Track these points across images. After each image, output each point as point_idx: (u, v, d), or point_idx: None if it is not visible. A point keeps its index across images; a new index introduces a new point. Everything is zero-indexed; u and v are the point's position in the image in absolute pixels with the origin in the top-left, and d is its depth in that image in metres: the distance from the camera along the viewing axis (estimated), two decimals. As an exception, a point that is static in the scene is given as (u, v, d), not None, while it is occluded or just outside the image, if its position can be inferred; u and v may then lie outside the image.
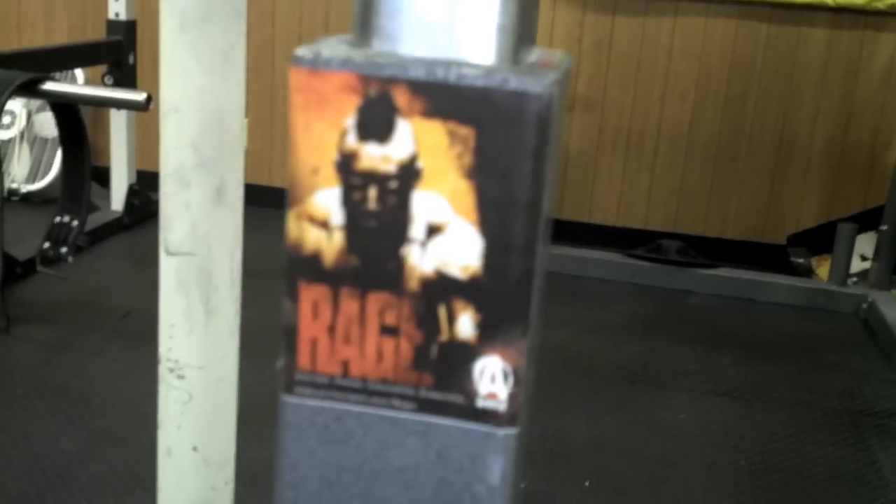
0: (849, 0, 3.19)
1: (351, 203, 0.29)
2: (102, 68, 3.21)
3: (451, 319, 0.29)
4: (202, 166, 1.22)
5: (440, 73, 0.28)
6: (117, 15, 3.21)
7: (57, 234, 2.60)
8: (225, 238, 1.26)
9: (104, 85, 3.21)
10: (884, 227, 3.03)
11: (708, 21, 3.34)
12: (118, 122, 3.33)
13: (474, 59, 0.28)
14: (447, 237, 0.29)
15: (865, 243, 3.19)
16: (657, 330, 2.84)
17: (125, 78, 3.19)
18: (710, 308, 3.05)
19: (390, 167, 0.28)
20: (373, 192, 0.29)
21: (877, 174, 3.31)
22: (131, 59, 3.22)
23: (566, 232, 3.57)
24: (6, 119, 3.61)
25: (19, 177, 3.63)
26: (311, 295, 0.30)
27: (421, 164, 0.28)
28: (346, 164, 0.29)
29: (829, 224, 3.28)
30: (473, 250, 0.28)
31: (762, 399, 2.44)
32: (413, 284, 0.29)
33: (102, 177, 3.45)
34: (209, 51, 1.19)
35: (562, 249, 3.30)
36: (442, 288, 0.29)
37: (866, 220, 3.21)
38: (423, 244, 0.29)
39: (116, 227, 3.32)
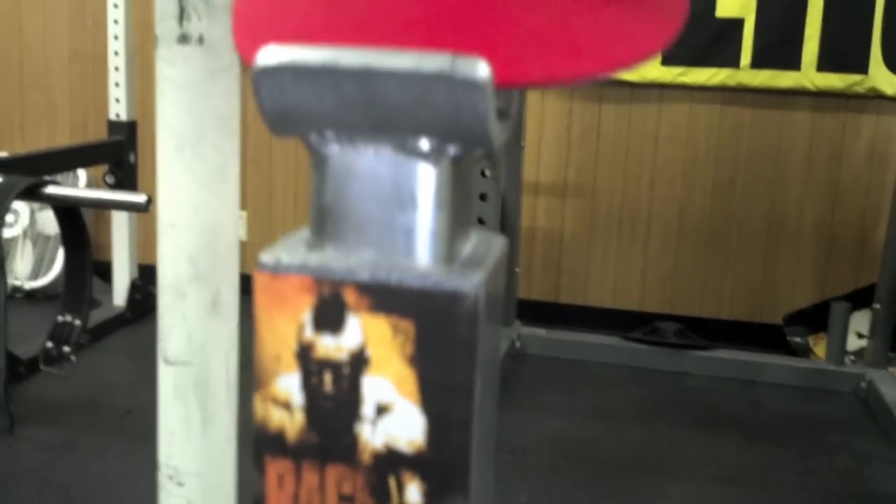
0: (829, 84, 3.28)
1: (309, 386, 0.33)
2: (104, 166, 3.30)
3: (401, 489, 0.33)
4: (198, 278, 1.27)
5: (382, 276, 0.32)
6: (118, 116, 3.30)
7: (59, 334, 2.64)
8: (220, 347, 1.30)
9: (105, 184, 3.28)
10: (877, 306, 3.06)
11: (692, 107, 3.43)
12: (119, 218, 3.40)
13: (414, 261, 0.33)
14: (394, 416, 0.33)
15: (861, 321, 3.22)
16: (657, 415, 2.85)
17: (126, 177, 3.27)
18: (709, 390, 3.06)
19: (343, 355, 0.32)
20: (328, 377, 0.33)
21: (867, 253, 3.36)
22: (132, 159, 3.30)
23: (563, 315, 3.60)
24: (10, 217, 3.68)
25: (22, 274, 3.69)
26: (277, 468, 0.34)
27: (369, 352, 0.32)
28: (304, 353, 0.33)
29: (824, 303, 3.31)
30: (417, 427, 0.32)
31: (764, 484, 2.43)
32: (366, 458, 0.33)
33: (105, 271, 3.50)
34: (204, 169, 1.24)
35: (560, 334, 3.33)
36: (391, 461, 0.33)
37: (860, 298, 3.24)
38: (374, 422, 0.33)
39: (118, 322, 3.36)
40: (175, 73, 1.22)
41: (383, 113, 0.31)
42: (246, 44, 0.36)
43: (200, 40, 1.23)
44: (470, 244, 0.35)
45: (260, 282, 0.33)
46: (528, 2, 0.34)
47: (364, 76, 0.30)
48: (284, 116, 0.32)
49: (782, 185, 3.41)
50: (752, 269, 3.49)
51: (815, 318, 3.38)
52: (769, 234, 3.45)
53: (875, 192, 3.34)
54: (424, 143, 0.32)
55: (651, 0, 0.37)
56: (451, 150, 0.32)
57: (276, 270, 0.33)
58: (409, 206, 0.33)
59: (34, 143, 3.87)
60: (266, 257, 0.33)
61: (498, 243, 0.36)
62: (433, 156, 0.32)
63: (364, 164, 0.33)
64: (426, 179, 0.33)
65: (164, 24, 1.22)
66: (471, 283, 0.32)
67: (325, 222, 0.34)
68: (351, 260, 0.33)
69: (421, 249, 0.33)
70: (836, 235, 3.41)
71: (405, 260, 0.32)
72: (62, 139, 3.85)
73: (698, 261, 3.52)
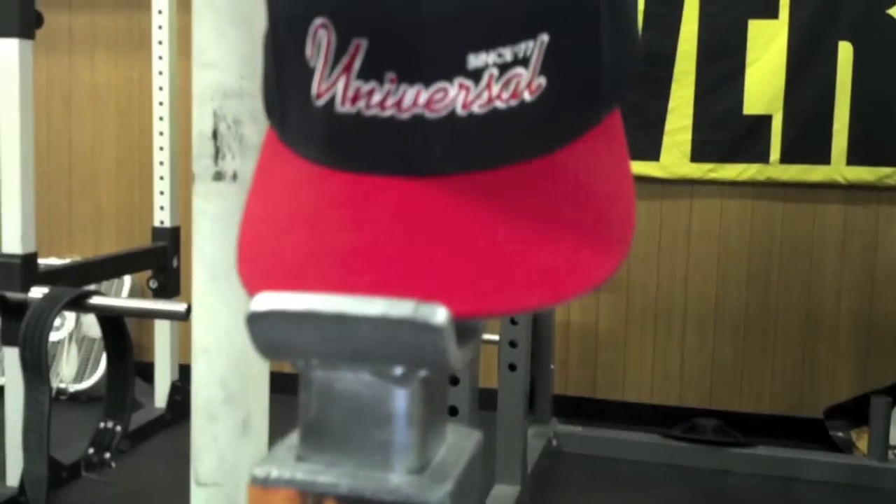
0: (860, 177, 3.30)
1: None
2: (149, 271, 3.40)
3: None
4: (230, 401, 1.31)
5: (359, 489, 0.36)
6: (162, 223, 3.42)
7: (101, 440, 2.69)
8: (250, 468, 1.33)
9: (149, 289, 3.38)
10: (919, 399, 3.01)
11: (724, 202, 3.46)
12: (162, 321, 3.49)
13: (389, 473, 0.36)
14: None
15: (904, 414, 3.16)
16: (696, 515, 2.81)
17: (169, 281, 3.36)
18: (750, 489, 3.01)
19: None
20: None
21: (907, 344, 3.32)
22: (175, 263, 3.40)
23: (601, 410, 3.58)
24: (57, 321, 3.78)
25: (67, 376, 3.78)
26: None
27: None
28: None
29: (864, 395, 3.26)
30: None
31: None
32: None
33: (146, 372, 3.57)
34: (236, 297, 1.30)
35: (597, 431, 3.31)
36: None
37: (902, 391, 3.19)
38: None
39: (160, 424, 3.41)
40: (210, 208, 1.29)
41: (359, 347, 0.36)
42: (248, 275, 0.41)
43: (234, 177, 1.29)
44: (444, 447, 0.39)
45: (252, 495, 0.37)
46: (487, 241, 0.39)
47: (341, 320, 0.35)
48: (274, 349, 0.37)
49: (817, 277, 3.41)
50: (790, 362, 3.46)
51: (857, 412, 3.32)
52: (806, 326, 3.43)
53: (912, 283, 3.32)
54: (397, 370, 0.36)
55: (600, 231, 0.41)
56: (421, 373, 0.36)
57: (266, 484, 0.37)
58: (384, 423, 0.37)
59: (82, 248, 4.01)
60: (259, 471, 0.37)
61: (472, 439, 0.40)
62: (405, 379, 0.36)
63: (344, 385, 0.37)
64: (399, 400, 0.37)
65: (201, 162, 1.29)
66: (438, 495, 0.35)
67: (311, 435, 0.38)
68: (333, 472, 0.36)
69: (395, 462, 0.37)
70: (875, 327, 3.38)
71: (381, 472, 0.36)
72: (108, 244, 3.97)
73: (736, 354, 3.50)
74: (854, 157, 3.29)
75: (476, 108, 0.39)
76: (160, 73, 3.39)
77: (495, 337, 2.74)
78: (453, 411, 2.11)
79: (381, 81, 0.39)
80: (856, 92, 3.27)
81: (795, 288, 3.43)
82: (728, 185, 3.44)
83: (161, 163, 3.41)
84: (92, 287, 2.66)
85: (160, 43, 3.38)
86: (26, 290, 2.61)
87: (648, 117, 3.46)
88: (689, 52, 3.40)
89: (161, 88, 3.41)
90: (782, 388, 3.48)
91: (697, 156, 3.44)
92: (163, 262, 3.38)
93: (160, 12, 3.37)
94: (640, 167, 3.49)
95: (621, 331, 3.59)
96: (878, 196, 3.33)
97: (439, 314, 0.34)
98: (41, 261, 2.83)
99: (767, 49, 3.33)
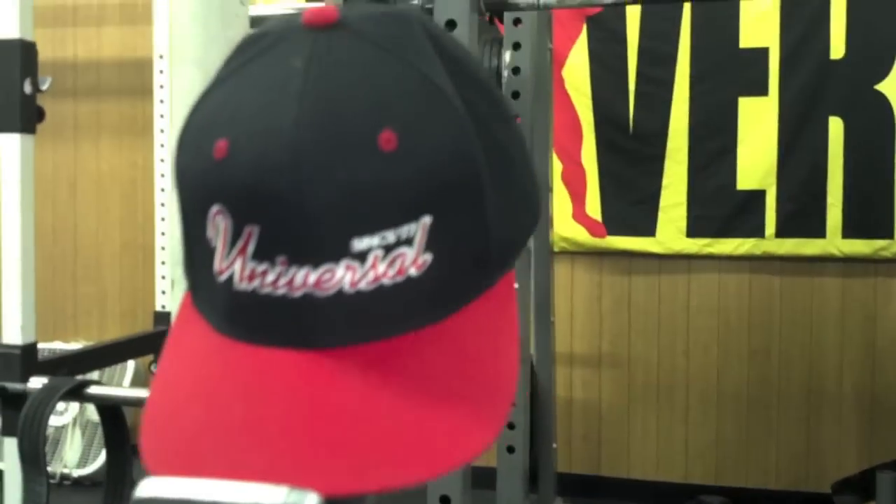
0: (856, 250, 3.31)
1: None
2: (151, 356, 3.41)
3: None
4: None
5: None
6: (163, 307, 3.44)
7: (98, 530, 2.68)
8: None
9: (150, 373, 3.39)
10: (926, 474, 2.97)
11: (721, 276, 3.47)
12: (164, 405, 3.49)
13: None
14: None
15: (913, 488, 3.11)
16: None
17: (170, 365, 3.37)
18: (756, 569, 2.96)
19: None
20: None
21: (912, 417, 3.28)
22: (176, 347, 3.41)
23: (606, 488, 3.55)
24: (61, 405, 3.80)
25: (71, 461, 3.77)
26: None
27: None
28: None
29: (871, 469, 3.22)
30: None
31: None
32: None
33: (149, 458, 3.56)
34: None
35: (600, 511, 3.27)
36: None
37: (910, 464, 3.15)
38: None
39: (160, 509, 3.38)
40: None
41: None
42: (148, 450, 0.43)
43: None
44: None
45: None
46: (370, 416, 0.41)
47: (215, 507, 0.37)
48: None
49: (818, 350, 3.39)
50: (795, 436, 3.43)
51: (865, 486, 3.27)
52: (809, 400, 3.40)
53: (914, 354, 3.30)
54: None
55: (481, 402, 0.43)
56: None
57: None
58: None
59: (86, 332, 4.04)
60: None
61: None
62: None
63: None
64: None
65: (177, 269, 1.33)
66: None
67: None
68: None
69: None
70: (878, 399, 3.35)
71: None
72: (113, 328, 4.00)
73: (740, 429, 3.47)
74: (849, 230, 3.31)
75: (363, 286, 0.42)
76: (162, 160, 3.46)
77: (492, 418, 2.73)
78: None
79: (273, 263, 0.42)
80: (848, 166, 3.31)
81: (796, 362, 3.41)
82: (725, 260, 3.45)
83: (163, 247, 3.45)
84: (94, 374, 2.68)
85: (162, 131, 3.45)
86: (25, 379, 2.62)
87: (643, 194, 3.50)
88: (681, 130, 3.45)
89: (163, 175, 3.47)
90: (788, 462, 3.44)
91: (693, 231, 3.46)
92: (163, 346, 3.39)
93: (162, 101, 3.45)
94: (636, 243, 3.52)
95: (624, 407, 3.58)
96: (875, 268, 3.33)
97: (308, 501, 0.36)
98: (46, 345, 2.85)
99: (758, 125, 3.38)
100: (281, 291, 0.42)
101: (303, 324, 0.42)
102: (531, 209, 0.49)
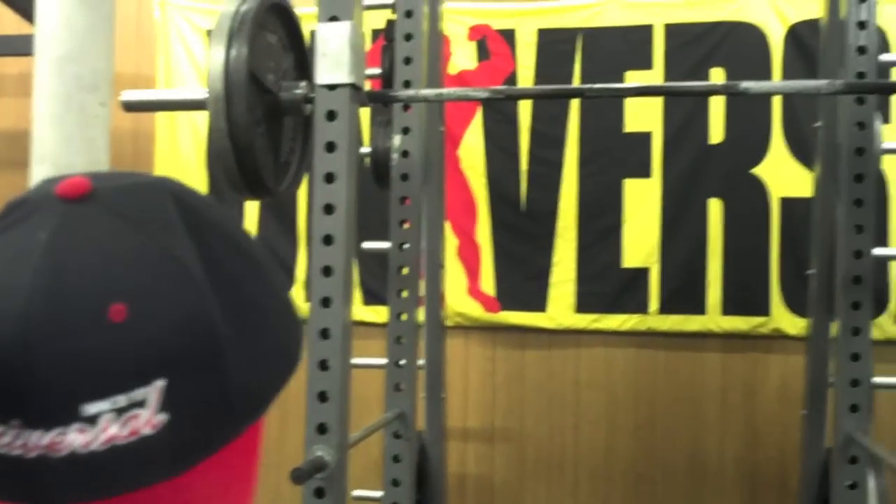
0: (735, 327, 3.45)
1: None
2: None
3: None
4: None
5: None
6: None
7: None
8: None
9: None
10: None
11: (608, 351, 3.56)
12: None
13: None
14: None
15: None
16: None
17: None
18: None
19: None
20: None
21: (790, 490, 3.39)
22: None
23: (499, 565, 3.55)
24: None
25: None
26: None
27: None
28: None
29: (754, 541, 3.31)
30: None
31: None
32: None
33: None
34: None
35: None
36: None
37: (789, 535, 3.25)
38: None
39: None
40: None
41: None
42: None
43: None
44: None
45: None
46: None
47: None
48: None
49: (701, 424, 3.50)
50: (680, 509, 3.50)
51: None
52: (693, 473, 3.49)
53: (791, 428, 3.41)
54: None
55: None
56: None
57: None
58: None
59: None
60: None
61: None
62: None
63: None
64: None
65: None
66: None
67: None
68: None
69: None
70: (758, 473, 3.45)
71: None
72: None
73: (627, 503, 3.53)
74: (728, 308, 3.45)
75: (96, 447, 0.45)
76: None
77: (377, 493, 2.73)
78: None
79: (7, 426, 0.45)
80: (727, 246, 3.46)
81: (681, 435, 3.51)
82: (612, 335, 3.55)
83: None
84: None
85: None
86: None
87: (535, 270, 3.59)
88: (571, 209, 3.57)
89: None
90: (674, 536, 3.50)
91: (582, 307, 3.56)
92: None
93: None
94: (529, 318, 3.60)
95: (516, 482, 3.60)
96: (754, 344, 3.47)
97: None
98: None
99: (642, 206, 3.52)
100: (16, 452, 0.45)
101: (38, 483, 0.45)
102: (288, 354, 0.52)
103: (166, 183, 0.49)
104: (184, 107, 1.82)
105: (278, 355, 0.51)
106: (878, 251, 2.43)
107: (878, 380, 2.48)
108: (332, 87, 1.80)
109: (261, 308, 0.50)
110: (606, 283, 3.53)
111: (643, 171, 3.53)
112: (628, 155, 3.54)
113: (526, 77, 3.60)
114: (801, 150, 3.35)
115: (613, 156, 3.55)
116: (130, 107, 1.87)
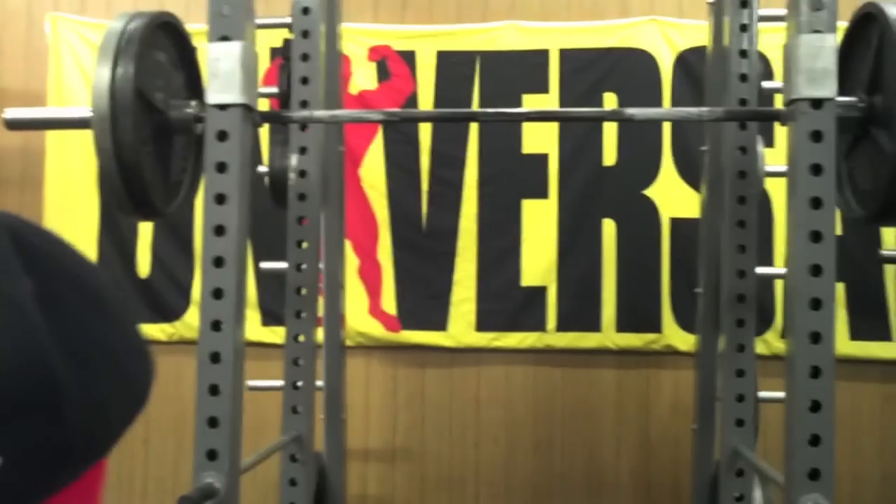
0: (629, 343, 3.53)
1: None
2: None
3: None
4: None
5: None
6: None
7: None
8: None
9: None
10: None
11: (508, 369, 3.61)
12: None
13: None
14: None
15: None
16: None
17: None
18: None
19: None
20: None
21: (684, 501, 3.49)
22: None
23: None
24: None
25: None
26: None
27: None
28: None
29: (649, 553, 3.39)
30: None
31: None
32: None
33: None
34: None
35: None
36: None
37: (682, 547, 3.33)
38: None
39: None
40: None
41: None
42: None
43: None
44: None
45: None
46: None
47: None
48: None
49: (598, 439, 3.57)
50: (578, 524, 3.56)
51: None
52: (590, 487, 3.56)
53: (684, 441, 3.51)
54: None
55: None
56: None
57: None
58: None
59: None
60: None
61: None
62: None
63: None
64: None
65: None
66: None
67: None
68: None
69: None
70: (653, 485, 3.54)
71: None
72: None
73: (527, 520, 3.57)
74: (622, 325, 3.54)
75: None
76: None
77: (276, 520, 2.69)
78: None
79: None
80: (620, 265, 3.55)
81: (578, 451, 3.57)
82: (512, 353, 3.59)
83: None
84: None
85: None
86: None
87: (435, 289, 3.61)
88: (470, 229, 3.61)
89: None
90: (572, 550, 3.56)
91: (482, 325, 3.59)
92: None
93: None
94: (429, 337, 3.62)
95: (417, 501, 3.60)
96: (646, 360, 3.57)
97: None
98: None
99: (540, 226, 3.58)
100: None
101: None
102: (135, 391, 0.52)
103: (3, 218, 0.48)
104: (69, 125, 1.78)
105: (123, 393, 0.50)
106: (760, 270, 2.54)
107: (764, 394, 2.58)
108: (223, 107, 1.78)
109: (103, 345, 0.49)
110: (506, 302, 3.58)
111: (540, 192, 3.59)
112: (526, 176, 3.60)
113: (426, 98, 3.64)
114: (690, 172, 3.47)
115: (512, 176, 3.61)
116: (13, 125, 1.82)
